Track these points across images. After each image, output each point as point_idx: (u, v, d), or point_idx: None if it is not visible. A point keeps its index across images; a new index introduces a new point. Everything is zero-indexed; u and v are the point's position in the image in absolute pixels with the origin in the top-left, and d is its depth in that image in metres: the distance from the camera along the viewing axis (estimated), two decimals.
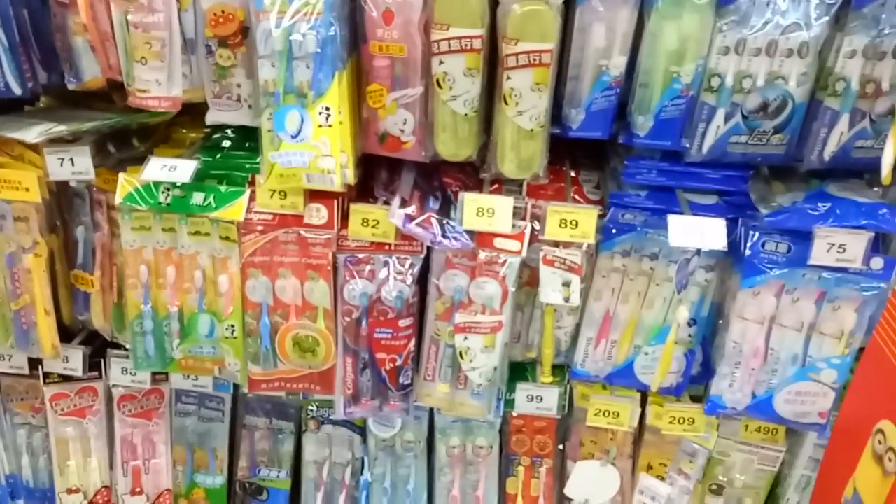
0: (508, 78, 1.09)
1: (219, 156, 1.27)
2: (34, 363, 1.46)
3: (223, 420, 1.50)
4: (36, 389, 1.49)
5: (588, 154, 1.39)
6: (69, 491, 1.53)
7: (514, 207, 1.20)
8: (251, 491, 1.53)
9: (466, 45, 1.08)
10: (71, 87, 1.22)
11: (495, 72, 1.12)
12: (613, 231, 1.23)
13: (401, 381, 1.29)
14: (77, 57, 1.20)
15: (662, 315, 1.27)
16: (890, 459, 1.02)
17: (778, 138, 1.15)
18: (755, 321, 1.22)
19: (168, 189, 1.23)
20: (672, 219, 1.16)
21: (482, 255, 1.21)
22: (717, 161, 1.19)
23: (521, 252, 1.20)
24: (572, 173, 1.33)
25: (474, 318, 1.23)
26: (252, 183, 1.23)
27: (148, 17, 1.11)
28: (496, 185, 1.27)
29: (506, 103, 1.11)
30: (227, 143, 1.30)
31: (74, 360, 1.44)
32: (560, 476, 1.47)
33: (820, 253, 1.14)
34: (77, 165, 1.24)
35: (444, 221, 1.20)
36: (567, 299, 1.23)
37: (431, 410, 1.42)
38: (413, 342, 1.28)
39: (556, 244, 1.21)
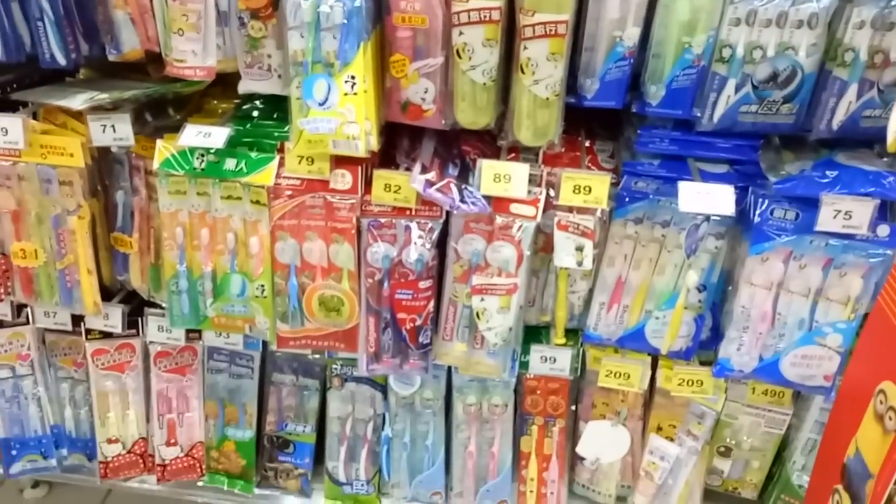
0: (525, 48, 1.14)
1: (249, 125, 1.34)
2: (77, 320, 1.55)
3: (252, 377, 1.58)
4: (78, 345, 1.58)
5: (604, 125, 1.43)
6: (109, 441, 1.63)
7: (530, 174, 1.24)
8: (278, 444, 1.61)
9: (485, 17, 1.13)
10: (111, 58, 1.29)
11: (513, 42, 1.16)
12: (626, 199, 1.28)
13: (420, 340, 1.35)
14: (117, 29, 1.26)
15: (673, 281, 1.32)
16: (890, 418, 1.05)
17: (787, 108, 1.19)
18: (763, 286, 1.26)
19: (202, 155, 1.29)
20: (682, 185, 1.20)
21: (499, 219, 1.26)
22: (728, 130, 1.22)
23: (535, 217, 1.25)
24: (587, 143, 1.38)
25: (491, 281, 1.29)
26: (281, 150, 1.29)
27: None
28: (513, 153, 1.32)
29: (522, 73, 1.16)
30: (256, 113, 1.37)
31: (114, 317, 1.52)
32: (573, 436, 1.52)
33: (826, 219, 1.17)
34: (118, 132, 1.31)
35: (463, 187, 1.25)
36: (580, 263, 1.27)
37: (449, 369, 1.48)
38: (432, 303, 1.34)
39: (570, 210, 1.26)
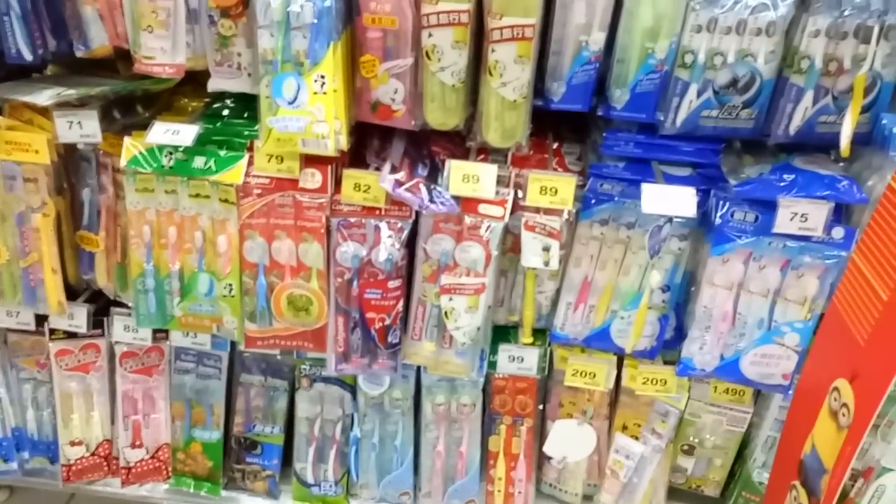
0: (493, 51, 1.16)
1: (219, 123, 1.34)
2: (40, 320, 1.52)
3: (220, 377, 1.57)
4: (41, 346, 1.56)
5: (572, 127, 1.45)
6: (72, 443, 1.60)
7: (498, 175, 1.26)
8: (246, 445, 1.60)
9: (454, 19, 1.14)
10: (79, 54, 1.29)
11: (482, 45, 1.18)
12: (592, 201, 1.30)
13: (389, 339, 1.36)
14: (86, 25, 1.26)
15: (638, 281, 1.34)
16: (844, 415, 1.09)
17: (747, 113, 1.22)
18: (724, 287, 1.29)
19: (171, 153, 1.29)
20: (645, 187, 1.23)
21: (467, 219, 1.28)
22: (691, 134, 1.25)
23: (503, 217, 1.27)
24: (555, 145, 1.40)
25: (459, 280, 1.30)
26: (250, 148, 1.29)
27: None
28: (482, 154, 1.34)
29: (490, 75, 1.18)
30: (226, 112, 1.37)
31: (79, 317, 1.51)
32: (540, 435, 1.54)
33: (784, 222, 1.21)
34: (85, 129, 1.30)
35: (432, 187, 1.27)
36: (547, 263, 1.29)
37: (418, 369, 1.49)
38: (401, 303, 1.34)
39: (538, 210, 1.28)
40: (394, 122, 1.26)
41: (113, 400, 1.60)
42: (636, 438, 1.48)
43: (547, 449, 1.51)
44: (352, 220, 1.30)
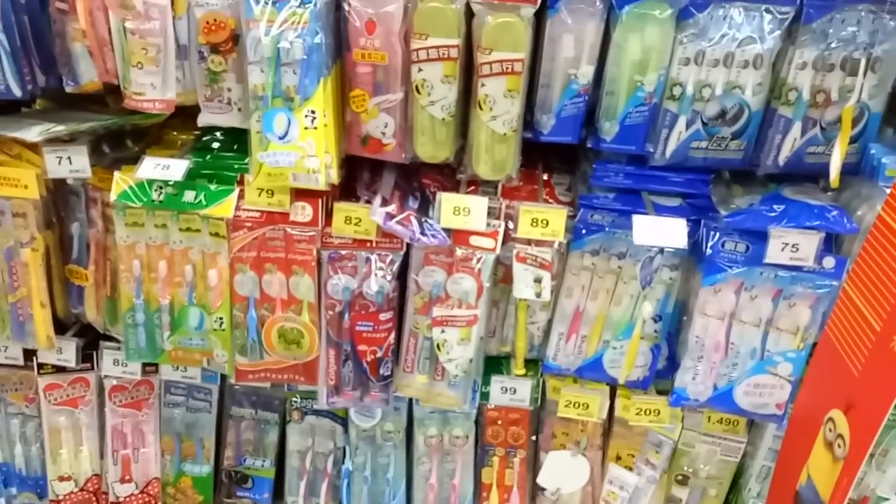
0: (483, 85, 1.16)
1: (209, 157, 1.34)
2: (29, 354, 1.51)
3: (210, 411, 1.55)
4: (30, 380, 1.54)
5: (561, 159, 1.46)
6: (61, 479, 1.58)
7: (489, 207, 1.26)
8: (237, 479, 1.58)
9: (444, 54, 1.15)
10: (69, 89, 1.28)
11: (471, 79, 1.19)
12: (583, 231, 1.30)
13: (381, 372, 1.35)
14: (75, 61, 1.26)
15: (630, 312, 1.34)
16: (839, 446, 1.08)
17: (736, 144, 1.23)
18: (716, 317, 1.29)
19: (161, 187, 1.29)
20: (636, 218, 1.23)
21: (458, 251, 1.28)
22: (680, 165, 1.26)
23: (495, 249, 1.27)
24: (545, 176, 1.41)
25: (451, 312, 1.30)
26: (241, 182, 1.29)
27: (144, 24, 1.17)
28: (473, 186, 1.34)
29: (480, 109, 1.18)
30: (216, 145, 1.37)
31: (68, 351, 1.49)
32: (533, 466, 1.53)
33: (775, 252, 1.21)
34: (75, 164, 1.30)
35: (423, 220, 1.27)
36: (539, 294, 1.29)
37: (410, 401, 1.48)
38: (393, 335, 1.34)
39: (529, 242, 1.28)
40: (384, 155, 1.26)
41: (102, 434, 1.58)
42: (630, 469, 1.47)
43: (540, 480, 1.50)
44: (343, 252, 1.30)
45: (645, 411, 1.40)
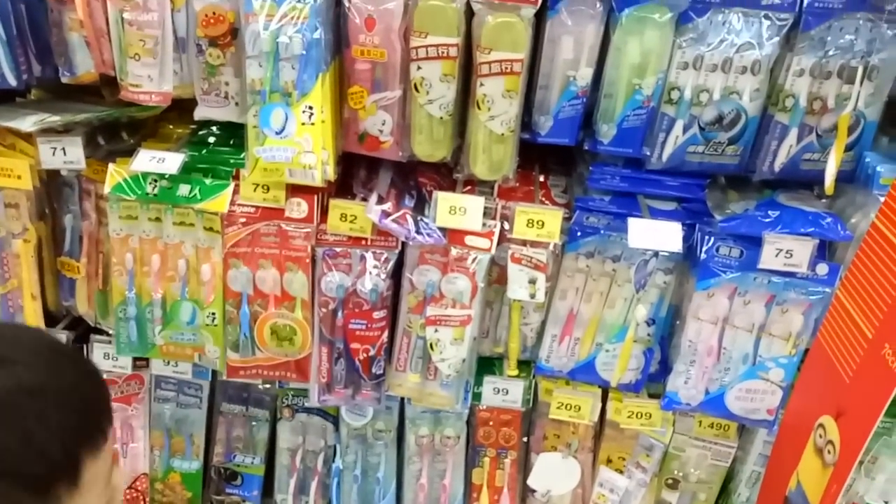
0: (481, 84, 1.16)
1: (205, 151, 1.33)
2: None
3: (201, 407, 1.54)
4: None
5: (559, 161, 1.46)
6: None
7: (485, 207, 1.26)
8: (226, 476, 1.57)
9: (443, 53, 1.15)
10: (65, 80, 1.28)
11: (470, 78, 1.19)
12: (578, 233, 1.30)
13: (373, 370, 1.35)
14: (72, 51, 1.25)
15: (623, 315, 1.34)
16: (829, 452, 1.09)
17: (732, 149, 1.23)
18: (709, 321, 1.29)
19: (155, 180, 1.28)
20: (632, 221, 1.23)
21: (453, 251, 1.27)
22: (676, 169, 1.26)
23: (490, 249, 1.27)
24: (542, 178, 1.40)
25: (445, 312, 1.30)
26: (236, 177, 1.29)
27: (142, 15, 1.17)
28: (469, 186, 1.34)
29: (479, 108, 1.18)
30: (212, 140, 1.36)
31: None
32: (524, 468, 1.53)
33: (769, 258, 1.22)
34: (69, 155, 1.29)
35: (419, 218, 1.26)
36: (533, 296, 1.29)
37: (402, 400, 1.47)
38: (386, 334, 1.33)
39: (524, 243, 1.28)
40: (381, 153, 1.25)
41: None
42: (621, 472, 1.47)
43: (531, 482, 1.49)
44: (337, 249, 1.29)
45: (636, 414, 1.40)
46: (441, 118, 1.20)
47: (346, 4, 1.14)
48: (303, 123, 1.15)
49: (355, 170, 1.39)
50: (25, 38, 1.26)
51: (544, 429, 1.49)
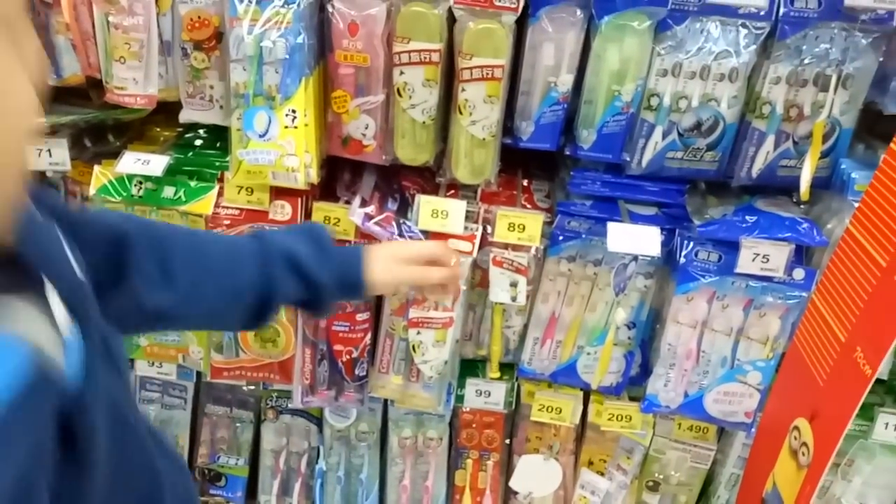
0: (463, 90, 1.18)
1: (190, 153, 1.34)
2: None
3: (185, 408, 1.55)
4: None
5: (542, 166, 1.48)
6: None
7: (467, 211, 1.27)
8: (210, 477, 1.58)
9: (425, 58, 1.16)
10: (51, 82, 1.28)
11: (452, 83, 1.20)
12: (560, 237, 1.31)
13: (356, 372, 1.36)
14: (59, 54, 1.26)
15: (604, 318, 1.36)
16: (803, 454, 1.10)
17: (710, 155, 1.25)
18: (688, 325, 1.31)
19: (141, 182, 1.29)
20: (611, 226, 1.25)
21: None
22: (656, 175, 1.28)
23: (472, 252, 1.28)
24: (525, 182, 1.42)
25: (427, 314, 1.31)
26: (221, 179, 1.30)
27: (128, 19, 1.18)
28: (452, 190, 1.35)
29: (460, 113, 1.19)
30: (199, 142, 1.37)
31: None
32: (507, 469, 1.54)
33: (746, 262, 1.24)
34: (54, 157, 1.30)
35: (401, 222, 1.28)
36: (514, 298, 1.30)
37: (385, 402, 1.48)
38: (369, 336, 1.34)
39: (506, 246, 1.29)
40: (364, 156, 1.27)
41: None
42: (602, 474, 1.49)
43: (513, 484, 1.51)
44: None
45: (617, 417, 1.41)
46: (424, 122, 1.22)
47: (330, 10, 1.15)
48: (286, 127, 1.17)
49: (339, 173, 1.40)
50: None
51: (527, 431, 1.50)
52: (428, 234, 1.28)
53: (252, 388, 1.53)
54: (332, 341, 1.33)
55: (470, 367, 1.47)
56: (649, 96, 1.21)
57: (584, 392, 1.44)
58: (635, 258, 1.28)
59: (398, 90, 1.19)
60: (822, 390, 1.08)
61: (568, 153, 1.28)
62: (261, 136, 1.17)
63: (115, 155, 1.30)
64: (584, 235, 1.31)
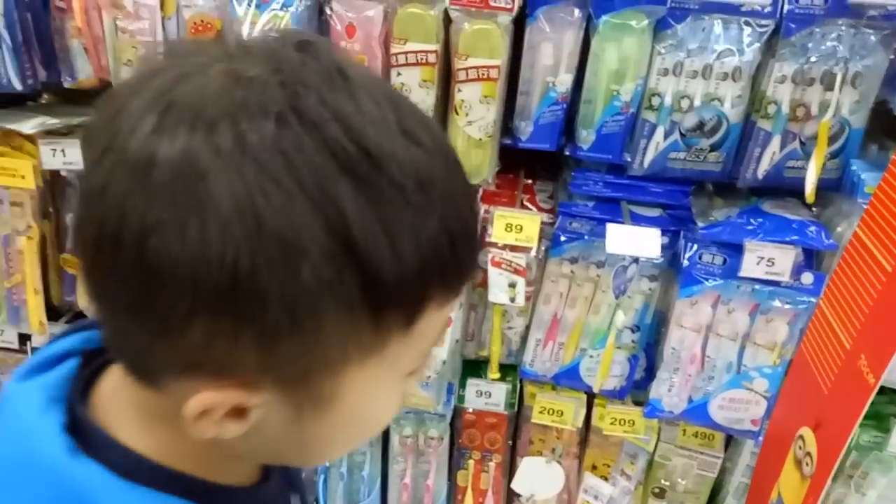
0: (459, 90, 1.17)
1: None
2: (24, 339, 1.55)
3: None
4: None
5: (547, 166, 1.46)
6: None
7: None
8: None
9: (422, 59, 1.17)
10: (66, 85, 1.33)
11: (449, 84, 1.20)
12: (562, 238, 1.30)
13: None
14: (73, 57, 1.30)
15: (607, 320, 1.34)
16: (807, 464, 1.07)
17: (714, 156, 1.22)
18: (693, 329, 1.28)
19: None
20: (610, 227, 1.23)
21: None
22: (659, 176, 1.26)
23: None
24: (528, 183, 1.41)
25: None
26: None
27: (134, 23, 1.22)
28: None
29: (456, 114, 1.19)
30: None
31: None
32: (509, 471, 1.53)
33: (750, 266, 1.20)
34: (68, 156, 1.34)
35: None
36: (513, 299, 1.30)
37: None
38: None
39: (504, 247, 1.29)
40: None
41: None
42: (606, 479, 1.47)
43: (515, 486, 1.50)
44: None
45: (619, 421, 1.39)
46: None
47: (328, 12, 1.16)
48: None
49: None
50: (31, 45, 1.32)
51: (530, 433, 1.49)
52: None
53: None
54: None
55: (474, 368, 1.47)
56: (650, 96, 1.19)
57: (588, 395, 1.43)
58: (636, 260, 1.26)
59: None
60: (827, 399, 1.05)
61: (567, 153, 1.27)
62: None
63: None
64: (586, 237, 1.29)
